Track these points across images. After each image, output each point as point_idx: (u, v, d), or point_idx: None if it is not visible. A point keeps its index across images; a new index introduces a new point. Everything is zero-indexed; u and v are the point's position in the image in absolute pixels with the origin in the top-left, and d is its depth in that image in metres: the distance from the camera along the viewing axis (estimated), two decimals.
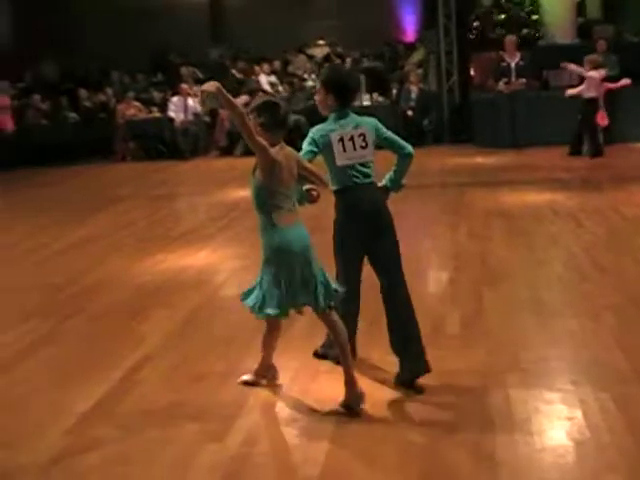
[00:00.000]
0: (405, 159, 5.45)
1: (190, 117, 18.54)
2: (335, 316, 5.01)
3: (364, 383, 5.06)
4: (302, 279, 4.88)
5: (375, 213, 5.29)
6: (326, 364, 5.54)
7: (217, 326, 6.72)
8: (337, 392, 4.94)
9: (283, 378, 5.39)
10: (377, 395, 5.06)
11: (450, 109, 18.35)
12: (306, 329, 6.07)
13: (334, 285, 5.00)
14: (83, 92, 19.49)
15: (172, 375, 5.67)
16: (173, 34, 22.21)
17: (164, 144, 18.53)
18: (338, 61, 20.42)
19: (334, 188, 5.30)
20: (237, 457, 4.42)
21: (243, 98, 18.71)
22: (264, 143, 4.80)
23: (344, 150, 5.22)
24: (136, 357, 6.00)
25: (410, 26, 24.25)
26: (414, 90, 18.07)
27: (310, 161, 5.21)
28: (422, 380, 5.15)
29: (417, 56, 20.65)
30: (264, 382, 5.36)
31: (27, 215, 12.87)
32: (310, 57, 21.92)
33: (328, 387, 5.19)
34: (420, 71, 19.17)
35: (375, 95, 18.47)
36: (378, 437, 4.57)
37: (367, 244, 5.28)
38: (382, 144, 5.40)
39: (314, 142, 5.27)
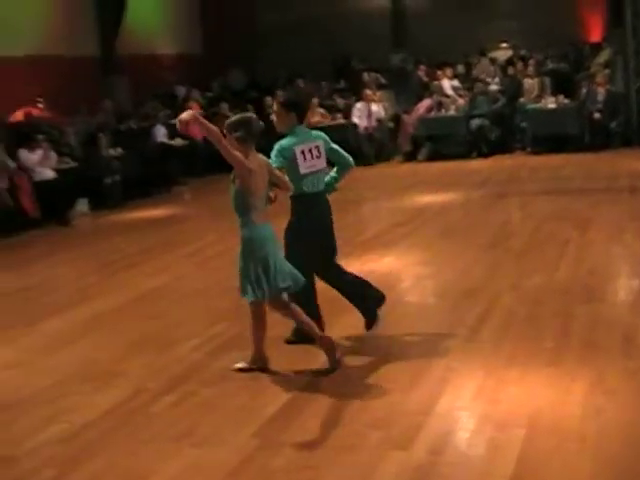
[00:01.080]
0: (345, 169, 6.59)
1: (374, 123, 18.62)
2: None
3: None
4: (275, 267, 5.75)
5: (326, 214, 6.40)
6: (513, 374, 5.44)
7: (402, 332, 6.70)
8: (526, 404, 4.82)
9: (469, 388, 5.31)
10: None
11: (639, 111, 17.65)
12: (492, 338, 5.98)
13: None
14: (269, 100, 19.89)
15: (358, 380, 5.70)
16: (355, 41, 22.40)
17: (348, 150, 18.63)
18: (520, 64, 20.03)
19: (295, 194, 6.20)
20: (422, 466, 4.38)
21: (426, 101, 18.67)
22: (240, 156, 5.56)
23: (304, 160, 6.15)
24: (320, 362, 6.04)
25: (595, 26, 23.51)
26: (601, 92, 17.48)
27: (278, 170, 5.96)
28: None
29: (603, 56, 19.97)
30: (254, 367, 5.99)
31: (216, 221, 13.25)
32: (493, 60, 21.60)
33: (516, 398, 5.08)
34: (607, 72, 18.53)
35: (560, 97, 17.99)
36: (572, 451, 4.43)
37: (321, 238, 6.35)
38: (329, 155, 6.38)
39: (281, 155, 6.10)
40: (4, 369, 6.73)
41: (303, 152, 6.17)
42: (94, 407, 5.66)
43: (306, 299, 6.24)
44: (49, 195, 14.35)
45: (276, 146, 6.16)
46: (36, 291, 9.56)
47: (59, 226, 14.11)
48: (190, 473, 4.57)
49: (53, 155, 15.05)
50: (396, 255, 9.50)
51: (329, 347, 5.90)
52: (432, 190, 13.95)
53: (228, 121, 5.80)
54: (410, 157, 18.38)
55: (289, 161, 6.12)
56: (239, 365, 6.07)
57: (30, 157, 14.65)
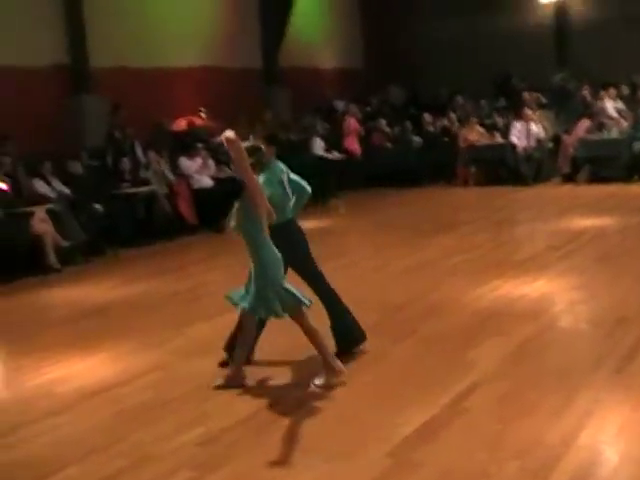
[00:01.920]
0: (304, 196, 6.82)
1: (533, 143, 18.24)
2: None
3: None
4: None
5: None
6: None
7: (551, 358, 6.51)
8: None
9: (614, 422, 5.10)
10: None
11: None
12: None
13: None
14: (427, 116, 19.81)
15: (500, 405, 5.55)
16: (517, 59, 22.00)
17: (506, 169, 18.38)
18: None
19: (283, 220, 6.44)
20: None
21: (585, 122, 18.16)
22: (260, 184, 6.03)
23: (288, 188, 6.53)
24: (465, 384, 5.94)
25: None
26: None
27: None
28: None
29: None
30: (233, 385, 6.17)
31: (370, 235, 13.25)
32: None
33: None
34: None
35: None
36: None
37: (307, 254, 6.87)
38: (290, 184, 6.61)
39: (277, 184, 6.42)
40: (152, 371, 6.90)
41: (285, 181, 6.58)
42: (233, 413, 5.74)
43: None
44: (206, 202, 14.69)
45: (265, 176, 6.37)
46: (187, 296, 9.80)
47: (215, 233, 14.41)
48: None
49: (211, 164, 15.41)
50: (549, 278, 9.24)
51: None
52: (590, 213, 13.54)
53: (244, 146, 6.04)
54: (569, 179, 17.91)
55: (282, 189, 6.48)
56: (218, 382, 6.29)
57: (190, 165, 15.06)
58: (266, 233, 6.06)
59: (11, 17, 14.46)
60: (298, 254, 6.71)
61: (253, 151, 6.12)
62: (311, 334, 6.22)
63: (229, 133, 5.86)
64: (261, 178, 6.27)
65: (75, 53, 15.69)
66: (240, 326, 6.42)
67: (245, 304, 6.13)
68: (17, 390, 6.84)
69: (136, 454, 5.18)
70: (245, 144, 6.10)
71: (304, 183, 6.83)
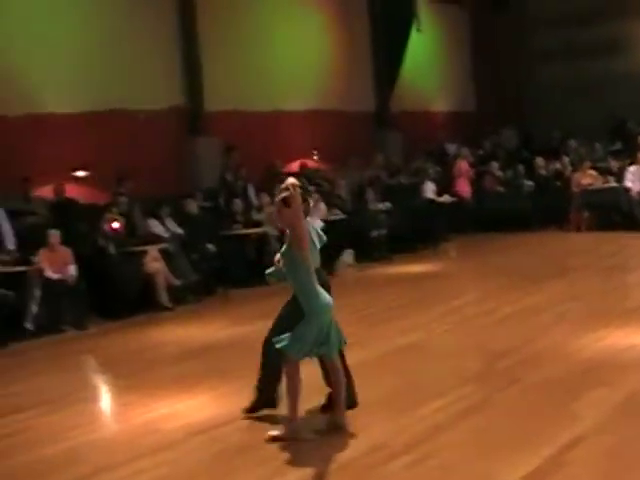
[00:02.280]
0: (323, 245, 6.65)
1: None
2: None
3: None
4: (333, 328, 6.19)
5: None
6: None
7: None
8: None
9: None
10: None
11: None
12: None
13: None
14: (540, 160, 19.56)
15: (606, 460, 5.41)
16: (630, 101, 21.60)
17: (620, 214, 17.99)
18: None
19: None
20: None
21: None
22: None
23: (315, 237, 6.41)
24: (568, 436, 5.81)
25: None
26: None
27: None
28: None
29: None
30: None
31: (479, 280, 13.15)
32: None
33: None
34: None
35: None
36: None
37: None
38: None
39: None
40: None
41: None
42: (333, 458, 5.70)
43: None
44: None
45: None
46: None
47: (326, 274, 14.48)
48: None
49: (323, 206, 15.52)
50: None
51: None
52: None
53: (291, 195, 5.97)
54: None
55: (310, 238, 6.30)
56: (274, 433, 6.18)
57: None
58: (315, 278, 6.08)
59: (132, 64, 14.97)
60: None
61: (304, 198, 6.12)
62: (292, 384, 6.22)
63: (293, 179, 6.00)
64: None
65: (191, 97, 16.13)
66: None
67: (287, 346, 6.11)
68: (124, 426, 7.02)
69: None
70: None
71: (322, 232, 6.70)
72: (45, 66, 13.80)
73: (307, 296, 6.08)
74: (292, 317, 6.20)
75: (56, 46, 14.01)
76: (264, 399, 6.71)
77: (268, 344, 6.53)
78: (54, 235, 11.45)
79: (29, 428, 7.03)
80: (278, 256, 6.28)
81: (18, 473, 6.04)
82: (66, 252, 11.57)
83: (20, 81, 13.35)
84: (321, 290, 6.12)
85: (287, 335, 6.08)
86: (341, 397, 6.30)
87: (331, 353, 6.25)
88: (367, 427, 6.31)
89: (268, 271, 6.55)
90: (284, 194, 5.99)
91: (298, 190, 5.98)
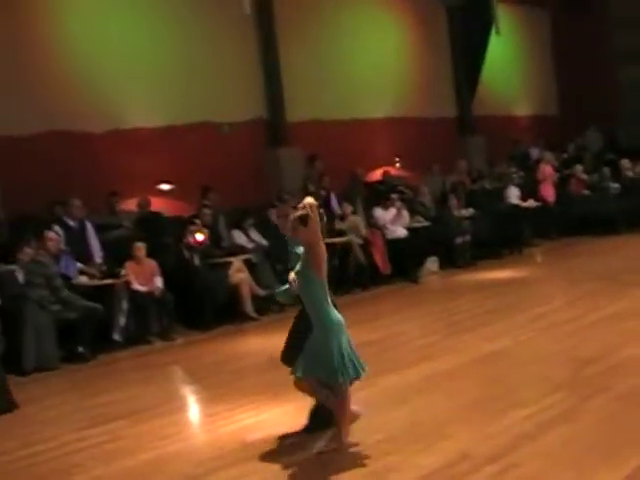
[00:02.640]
0: None
1: None
2: None
3: None
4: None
5: None
6: None
7: None
8: None
9: None
10: None
11: None
12: None
13: None
14: (626, 162, 19.17)
15: None
16: None
17: None
18: None
19: None
20: None
21: None
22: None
23: None
24: None
25: None
26: None
27: None
28: None
29: None
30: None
31: (565, 285, 12.96)
32: None
33: None
34: None
35: None
36: None
37: None
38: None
39: None
40: None
41: None
42: (416, 468, 5.69)
43: None
44: (400, 252, 14.77)
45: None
46: (380, 346, 9.83)
47: (408, 283, 14.46)
48: None
49: (406, 214, 15.50)
50: None
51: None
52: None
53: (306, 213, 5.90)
54: None
55: None
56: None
57: (384, 215, 15.20)
58: (328, 296, 6.05)
59: (214, 77, 15.22)
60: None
61: (321, 217, 6.04)
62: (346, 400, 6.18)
63: (310, 199, 5.98)
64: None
65: (272, 107, 16.25)
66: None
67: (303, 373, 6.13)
68: (211, 436, 7.09)
69: None
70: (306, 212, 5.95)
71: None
72: (129, 82, 14.09)
73: (321, 314, 6.02)
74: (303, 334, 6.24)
75: (139, 62, 14.28)
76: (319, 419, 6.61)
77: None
78: (140, 248, 11.65)
79: (118, 438, 7.14)
80: (292, 275, 6.17)
81: None
82: (152, 264, 11.75)
83: (105, 98, 13.64)
84: (333, 308, 6.08)
85: (315, 366, 6.03)
86: (345, 418, 6.21)
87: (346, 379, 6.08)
88: (451, 436, 6.26)
89: (278, 290, 6.53)
90: (300, 212, 5.94)
91: (315, 209, 5.93)
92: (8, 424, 8.05)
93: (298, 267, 6.06)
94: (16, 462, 6.80)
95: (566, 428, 6.20)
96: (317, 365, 6.01)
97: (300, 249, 6.22)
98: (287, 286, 6.30)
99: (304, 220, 5.89)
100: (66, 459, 6.71)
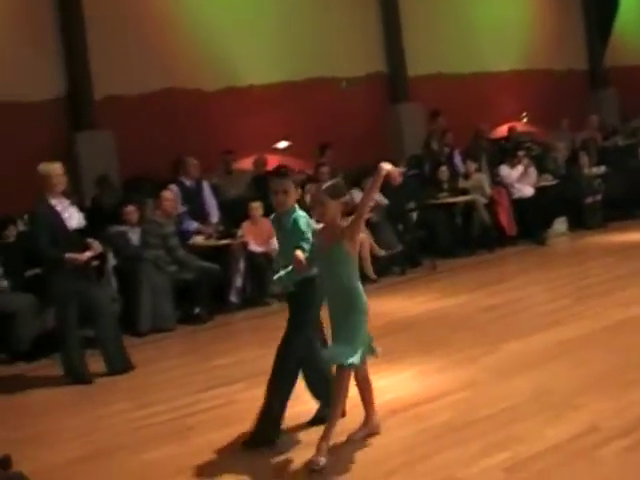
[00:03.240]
0: None
1: None
2: None
3: None
4: None
5: None
6: None
7: None
8: None
9: None
10: None
11: None
12: None
13: None
14: None
15: None
16: None
17: None
18: None
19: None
20: None
21: None
22: None
23: None
24: None
25: None
26: None
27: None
28: None
29: None
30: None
31: None
32: None
33: None
34: None
35: None
36: None
37: None
38: None
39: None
40: (461, 389, 6.69)
41: None
42: (542, 439, 5.37)
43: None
44: (527, 213, 14.29)
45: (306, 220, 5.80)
46: (503, 310, 9.50)
47: (535, 245, 13.99)
48: None
49: (533, 172, 14.91)
50: None
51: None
52: None
53: (334, 185, 5.51)
54: None
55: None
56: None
57: (510, 173, 14.68)
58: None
59: (331, 31, 15.11)
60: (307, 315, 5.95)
61: (345, 189, 5.65)
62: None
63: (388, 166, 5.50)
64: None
65: (393, 62, 16.00)
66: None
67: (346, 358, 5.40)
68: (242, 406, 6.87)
69: (439, 475, 4.99)
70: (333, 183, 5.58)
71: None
72: (244, 39, 14.06)
73: (356, 292, 5.49)
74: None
75: (254, 18, 14.29)
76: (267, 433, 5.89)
77: (283, 363, 5.93)
78: (256, 208, 11.48)
79: (234, 402, 7.02)
80: (300, 254, 5.41)
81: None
82: (268, 225, 11.48)
83: (220, 55, 13.66)
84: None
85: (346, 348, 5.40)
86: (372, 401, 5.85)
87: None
88: (580, 407, 5.90)
89: (280, 275, 5.66)
90: (329, 184, 5.51)
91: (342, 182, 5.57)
92: (124, 385, 8.11)
93: (334, 246, 5.45)
94: (131, 422, 6.81)
95: None
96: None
97: (313, 224, 5.85)
98: (291, 268, 5.53)
99: (333, 194, 5.44)
100: (181, 421, 6.68)
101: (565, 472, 4.87)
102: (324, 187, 5.46)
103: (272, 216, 6.03)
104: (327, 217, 5.47)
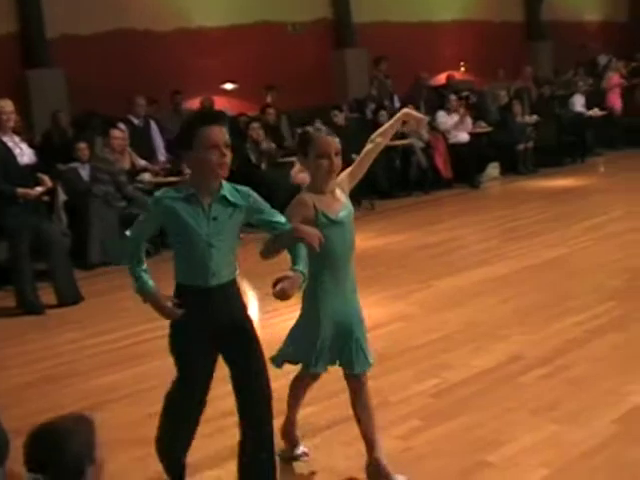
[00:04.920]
0: None
1: None
2: None
3: None
4: None
5: None
6: None
7: None
8: None
9: None
10: None
11: None
12: None
13: None
14: None
15: None
16: None
17: None
18: None
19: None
20: None
21: None
22: None
23: None
24: None
25: None
26: None
27: None
28: None
29: None
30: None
31: (626, 196, 12.77)
32: None
33: None
34: None
35: None
36: None
37: None
38: None
39: None
40: (396, 321, 7.12)
41: None
42: (469, 367, 5.85)
43: None
44: (462, 157, 14.73)
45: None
46: (438, 249, 9.97)
47: (469, 188, 14.46)
48: (543, 446, 4.58)
49: (469, 119, 15.36)
50: None
51: None
52: None
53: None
54: None
55: None
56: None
57: (447, 120, 15.09)
58: None
59: None
60: None
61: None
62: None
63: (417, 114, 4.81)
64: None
65: (338, 8, 16.10)
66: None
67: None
68: (273, 330, 7.18)
69: (374, 401, 4.82)
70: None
71: None
72: None
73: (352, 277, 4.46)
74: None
75: None
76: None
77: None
78: None
79: None
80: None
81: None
82: None
83: None
84: None
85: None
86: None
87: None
88: (504, 339, 6.41)
89: (270, 236, 4.09)
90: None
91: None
92: (75, 315, 8.29)
93: (347, 207, 4.32)
94: (82, 350, 7.04)
95: (616, 336, 6.28)
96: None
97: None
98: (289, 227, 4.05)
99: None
100: (132, 349, 6.93)
101: (489, 397, 5.32)
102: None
103: None
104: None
